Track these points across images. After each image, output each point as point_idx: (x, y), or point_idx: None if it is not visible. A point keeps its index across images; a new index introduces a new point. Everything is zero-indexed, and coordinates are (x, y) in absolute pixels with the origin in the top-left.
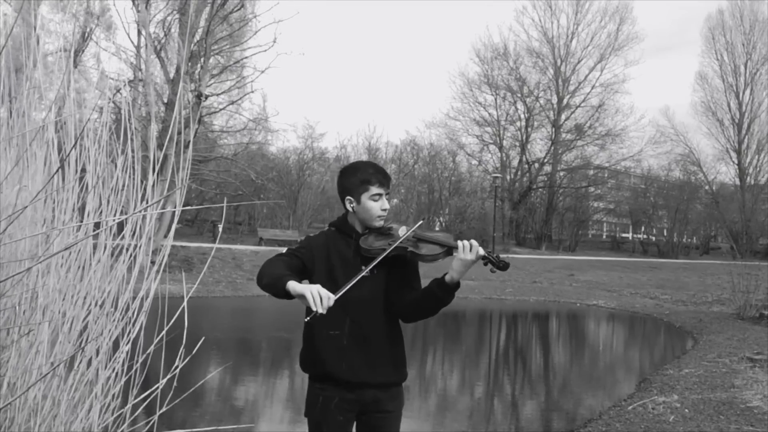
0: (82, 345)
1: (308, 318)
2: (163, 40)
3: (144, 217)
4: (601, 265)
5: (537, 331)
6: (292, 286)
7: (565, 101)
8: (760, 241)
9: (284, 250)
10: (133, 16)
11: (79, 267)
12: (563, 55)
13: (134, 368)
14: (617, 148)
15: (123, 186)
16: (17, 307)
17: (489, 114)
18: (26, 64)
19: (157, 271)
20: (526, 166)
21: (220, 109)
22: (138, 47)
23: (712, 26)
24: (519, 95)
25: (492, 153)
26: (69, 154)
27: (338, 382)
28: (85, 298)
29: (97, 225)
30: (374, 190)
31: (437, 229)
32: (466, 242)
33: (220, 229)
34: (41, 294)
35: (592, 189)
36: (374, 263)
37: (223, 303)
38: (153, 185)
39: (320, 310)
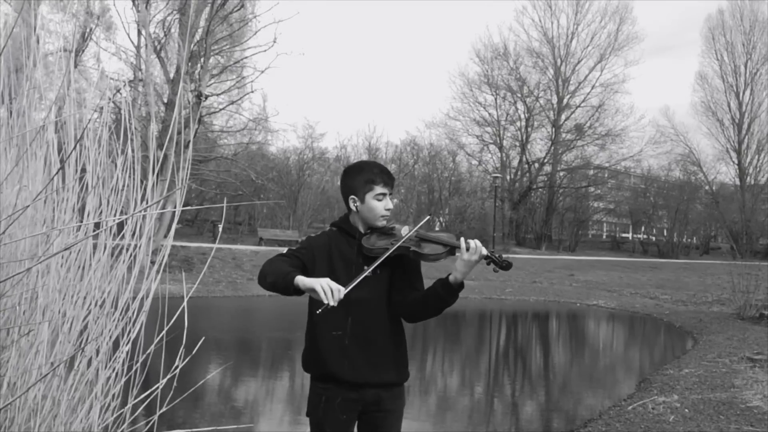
0: (82, 345)
1: (320, 311)
2: (163, 40)
3: (144, 217)
4: (601, 265)
5: (537, 331)
6: (301, 280)
7: (565, 101)
8: (760, 241)
9: (284, 250)
10: (133, 16)
11: (79, 267)
12: (563, 55)
13: (134, 368)
14: (617, 148)
15: (123, 186)
16: (17, 307)
17: (489, 114)
18: (26, 64)
19: (157, 271)
20: (526, 166)
21: (220, 109)
22: (138, 47)
23: (712, 26)
24: (519, 95)
25: (492, 153)
26: (70, 154)
27: (341, 382)
28: (85, 298)
29: (97, 225)
30: (378, 189)
31: (437, 229)
32: (470, 242)
33: (220, 229)
34: (41, 294)
35: (592, 189)
36: (377, 263)
37: (223, 303)
38: (153, 185)
39: (332, 303)
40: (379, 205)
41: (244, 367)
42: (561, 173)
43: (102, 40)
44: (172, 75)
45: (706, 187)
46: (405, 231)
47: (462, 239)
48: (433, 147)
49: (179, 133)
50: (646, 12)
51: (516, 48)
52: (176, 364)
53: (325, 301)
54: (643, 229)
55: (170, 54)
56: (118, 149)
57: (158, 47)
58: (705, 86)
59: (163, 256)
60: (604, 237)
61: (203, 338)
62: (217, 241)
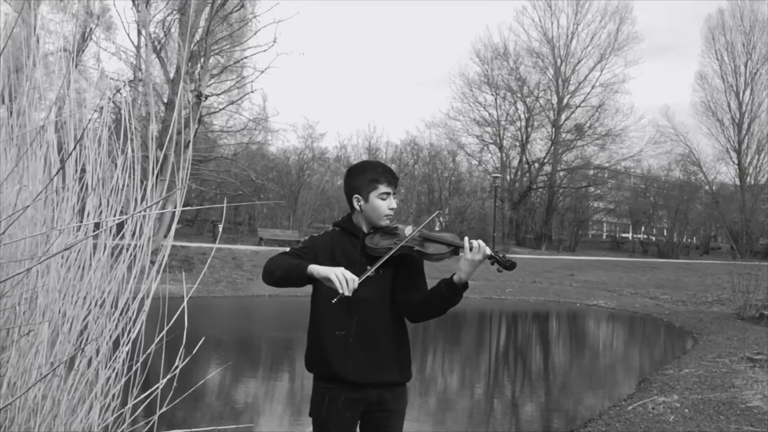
0: (82, 345)
1: (335, 300)
2: (163, 40)
3: (144, 217)
4: (601, 265)
5: (537, 331)
6: (315, 268)
7: (565, 101)
8: (760, 241)
9: (285, 250)
10: (133, 16)
11: (79, 267)
12: (563, 55)
13: (134, 368)
14: (617, 148)
15: (123, 186)
16: (17, 307)
17: (489, 114)
18: (26, 64)
19: (157, 271)
20: (526, 166)
21: (220, 109)
22: (138, 47)
23: (712, 26)
24: (519, 95)
25: (492, 153)
26: (70, 154)
27: (344, 381)
28: (85, 298)
29: (97, 225)
30: (382, 188)
31: (437, 228)
32: (473, 242)
33: (220, 229)
34: (41, 294)
35: (592, 189)
36: (381, 262)
37: (223, 303)
38: (153, 186)
39: (346, 293)
40: (383, 204)
41: (244, 367)
42: (561, 173)
43: (102, 40)
44: (172, 75)
45: (706, 187)
46: (408, 231)
47: (466, 239)
48: (433, 147)
49: (179, 133)
50: (646, 12)
51: (516, 48)
52: (176, 364)
53: (340, 291)
54: (643, 229)
55: (170, 54)
56: (118, 149)
57: (158, 47)
58: (705, 86)
59: (163, 256)
60: (604, 237)
61: (203, 338)
62: (217, 241)
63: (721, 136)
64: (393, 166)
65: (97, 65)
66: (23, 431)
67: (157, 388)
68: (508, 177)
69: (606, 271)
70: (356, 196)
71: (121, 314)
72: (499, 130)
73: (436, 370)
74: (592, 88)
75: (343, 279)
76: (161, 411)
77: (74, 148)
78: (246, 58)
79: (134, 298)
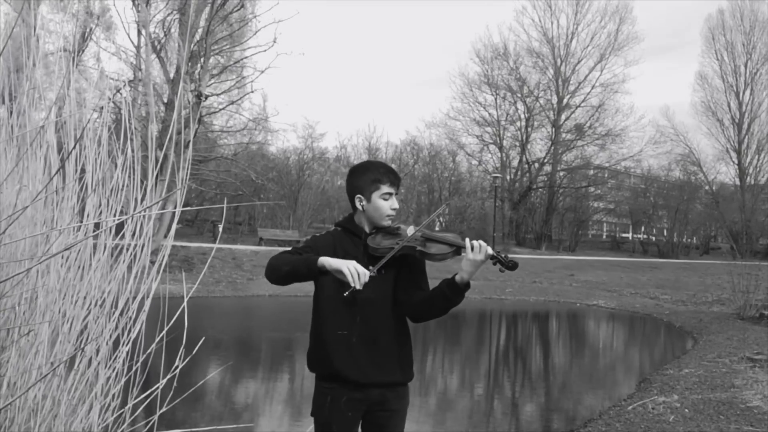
0: (82, 345)
1: (347, 293)
2: (163, 40)
3: (144, 217)
4: (601, 265)
5: (537, 331)
6: (326, 260)
7: (565, 101)
8: (760, 241)
9: (288, 249)
10: (133, 16)
11: (79, 267)
12: (563, 55)
13: (134, 368)
14: (617, 148)
15: (123, 186)
16: (17, 307)
17: (489, 114)
18: (26, 64)
19: (157, 271)
20: (526, 166)
21: (220, 109)
22: (138, 47)
23: (712, 26)
24: (519, 95)
25: (492, 153)
26: (70, 153)
27: (346, 381)
28: (85, 298)
29: (97, 225)
30: (385, 189)
31: (437, 228)
32: (474, 242)
33: (220, 229)
34: (41, 294)
35: (592, 189)
36: (383, 262)
37: (223, 303)
38: (153, 186)
39: (358, 286)
40: (385, 204)
41: (244, 367)
42: (561, 173)
43: (102, 40)
44: (172, 75)
45: (706, 187)
46: (410, 231)
47: (467, 240)
48: (433, 147)
49: (179, 133)
50: (646, 12)
51: (516, 48)
52: (176, 364)
53: (352, 284)
54: (643, 229)
55: (170, 54)
56: (118, 149)
57: (158, 47)
58: (705, 86)
59: (163, 256)
60: (604, 237)
61: (203, 338)
62: (217, 241)
63: (721, 136)
64: (393, 166)
65: (97, 65)
66: (23, 431)
67: (157, 388)
68: (508, 177)
69: (606, 271)
70: (358, 196)
71: (121, 314)
72: (499, 130)
73: (436, 370)
74: (592, 88)
75: (355, 272)
76: (161, 411)
77: (74, 147)
78: (246, 58)
79: (134, 298)
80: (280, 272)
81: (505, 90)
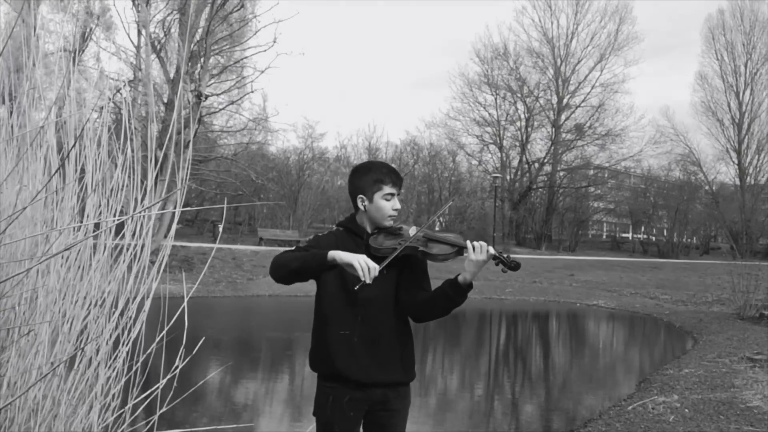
0: (82, 345)
1: (357, 287)
2: (163, 40)
3: (144, 217)
4: (601, 265)
5: (537, 331)
6: (336, 254)
7: (565, 101)
8: (760, 241)
9: (290, 249)
10: (133, 16)
11: (79, 267)
12: (563, 55)
13: (134, 368)
14: (617, 148)
15: (123, 186)
16: (17, 307)
17: (489, 114)
18: (26, 64)
19: (157, 271)
20: (526, 166)
21: (220, 109)
22: (138, 47)
23: (712, 26)
24: (519, 95)
25: (492, 153)
26: (69, 152)
27: (348, 381)
28: (85, 298)
29: (97, 225)
30: (387, 189)
31: (437, 228)
32: (476, 243)
33: (220, 229)
34: (41, 294)
35: (592, 189)
36: (386, 263)
37: (223, 303)
38: (153, 186)
39: (368, 281)
40: (387, 204)
41: (244, 367)
42: (561, 173)
43: (102, 40)
44: (172, 75)
45: (706, 187)
46: (412, 231)
47: (468, 241)
48: (433, 147)
49: (179, 133)
50: (646, 12)
51: (516, 48)
52: (176, 364)
53: (362, 278)
54: (643, 229)
55: (170, 54)
56: (118, 149)
57: (158, 47)
58: (705, 86)
59: (163, 256)
60: (604, 237)
61: (203, 338)
62: (217, 241)
63: (721, 136)
64: (393, 166)
65: (97, 65)
66: (23, 431)
67: (157, 388)
68: (508, 177)
69: (606, 271)
70: (360, 196)
71: (121, 314)
72: (499, 130)
73: (437, 370)
74: (592, 88)
75: (365, 266)
76: (161, 411)
77: (74, 145)
78: (246, 58)
79: (134, 298)
80: (288, 268)
81: (505, 90)
